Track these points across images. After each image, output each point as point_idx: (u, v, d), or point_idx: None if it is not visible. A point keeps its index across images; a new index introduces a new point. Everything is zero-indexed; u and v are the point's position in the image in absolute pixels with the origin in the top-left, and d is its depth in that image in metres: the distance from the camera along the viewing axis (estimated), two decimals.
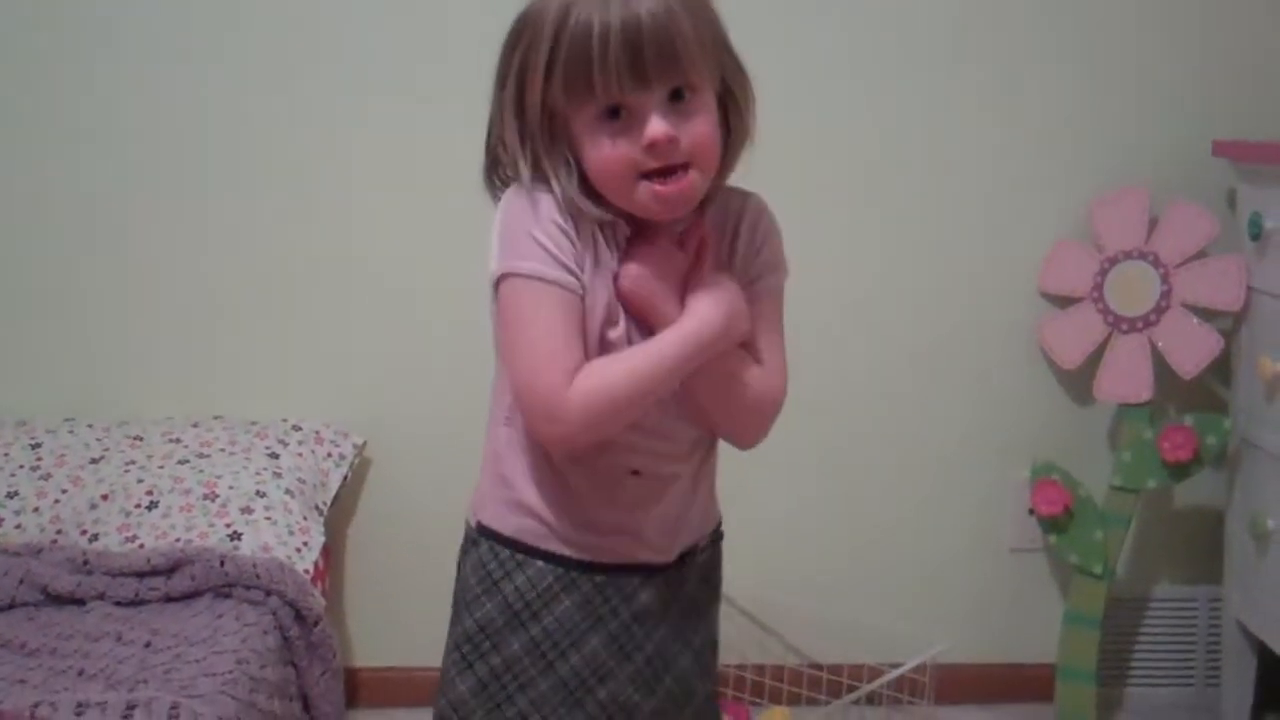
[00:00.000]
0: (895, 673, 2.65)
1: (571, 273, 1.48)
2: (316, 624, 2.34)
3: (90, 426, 2.74)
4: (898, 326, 2.89)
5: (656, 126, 1.44)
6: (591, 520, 1.57)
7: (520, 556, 1.59)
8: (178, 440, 2.69)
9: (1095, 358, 2.80)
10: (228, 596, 2.31)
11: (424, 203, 2.80)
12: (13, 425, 2.74)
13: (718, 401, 1.57)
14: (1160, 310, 2.74)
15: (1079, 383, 2.87)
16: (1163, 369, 2.75)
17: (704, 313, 1.50)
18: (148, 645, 2.12)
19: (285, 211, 2.83)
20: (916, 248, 2.88)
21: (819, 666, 2.88)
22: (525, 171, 1.49)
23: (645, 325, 1.53)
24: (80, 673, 2.03)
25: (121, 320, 2.85)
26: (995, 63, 2.84)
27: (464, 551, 1.65)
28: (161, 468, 2.61)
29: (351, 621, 2.92)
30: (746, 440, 1.62)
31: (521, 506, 1.59)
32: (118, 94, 2.80)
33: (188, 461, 2.63)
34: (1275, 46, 2.84)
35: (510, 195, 1.52)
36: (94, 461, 2.63)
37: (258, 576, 2.32)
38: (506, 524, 1.60)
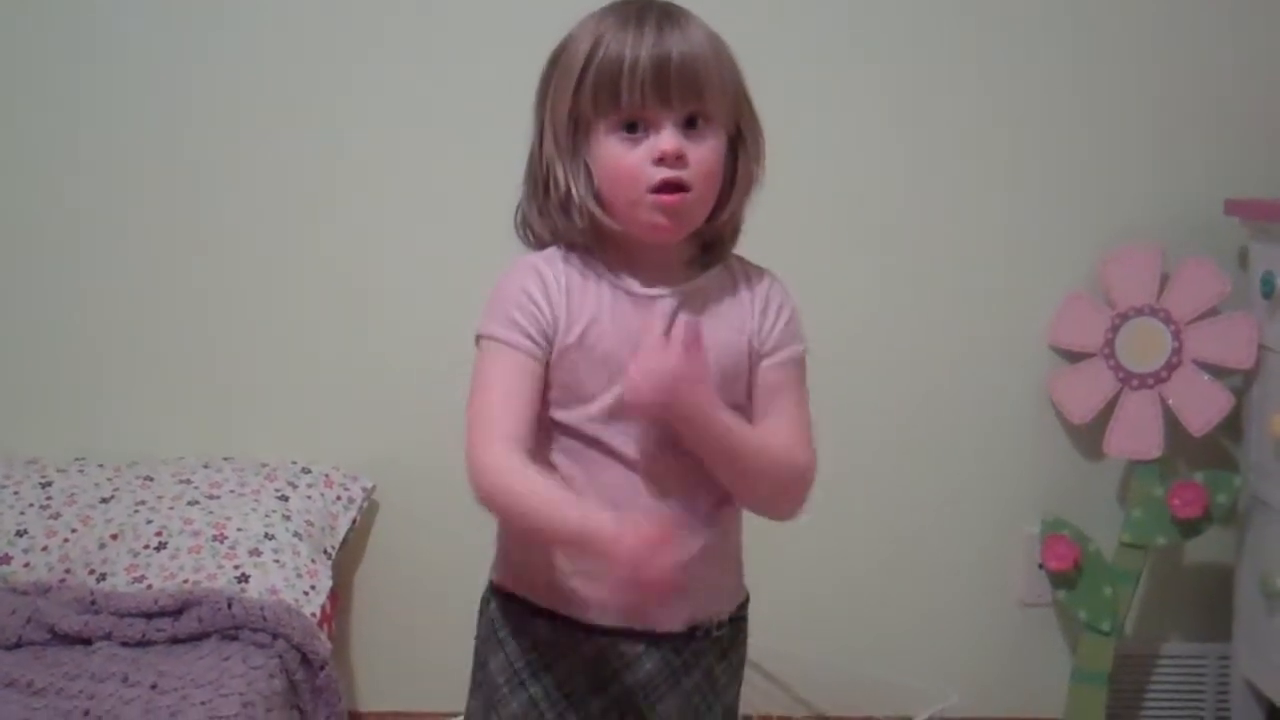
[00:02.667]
0: None
1: (532, 340, 1.55)
2: (323, 668, 2.34)
3: (101, 466, 2.74)
4: (907, 378, 2.89)
5: (669, 139, 1.53)
6: (595, 582, 1.57)
7: (526, 615, 1.62)
8: (188, 481, 2.69)
9: (1106, 413, 2.80)
10: (234, 639, 2.30)
11: (439, 249, 2.81)
12: (23, 464, 2.74)
13: (746, 487, 1.60)
14: (1171, 367, 2.74)
15: (1089, 438, 2.86)
16: (1173, 426, 2.75)
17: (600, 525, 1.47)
18: (154, 687, 2.12)
19: (300, 255, 2.84)
20: (928, 299, 2.89)
21: (827, 719, 2.87)
22: (562, 177, 1.57)
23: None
24: (86, 713, 2.03)
25: (133, 360, 2.86)
26: (1008, 117, 2.86)
27: (480, 610, 1.69)
28: (171, 508, 2.61)
29: (358, 665, 2.92)
30: (780, 517, 1.64)
31: (526, 567, 1.63)
32: (135, 138, 2.82)
33: (197, 503, 2.63)
34: None
35: (510, 266, 1.60)
36: (104, 501, 2.64)
37: (265, 619, 2.32)
38: (513, 583, 1.64)
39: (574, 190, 1.57)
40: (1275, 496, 2.62)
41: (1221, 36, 2.84)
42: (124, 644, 2.30)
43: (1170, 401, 2.75)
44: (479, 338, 1.58)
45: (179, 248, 2.84)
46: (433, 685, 2.75)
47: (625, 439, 1.57)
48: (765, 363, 1.63)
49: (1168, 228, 2.83)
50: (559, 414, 1.58)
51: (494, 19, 2.79)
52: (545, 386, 1.57)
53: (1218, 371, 2.73)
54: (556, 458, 1.59)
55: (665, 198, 1.54)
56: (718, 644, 1.66)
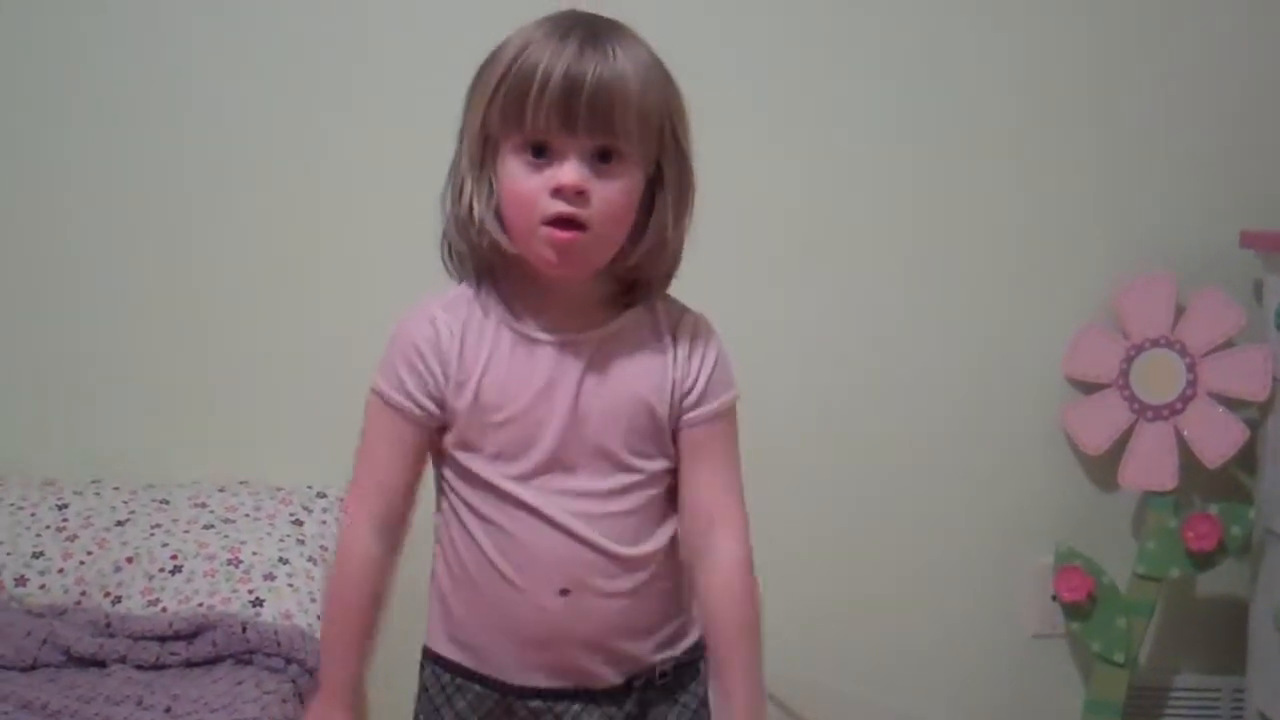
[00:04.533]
0: None
1: (415, 403, 1.53)
2: None
3: (117, 489, 2.75)
4: (921, 409, 2.89)
5: (569, 172, 1.43)
6: (519, 642, 1.53)
7: (460, 680, 1.58)
8: (203, 505, 2.70)
9: (1120, 444, 2.80)
10: (248, 663, 2.30)
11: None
12: (40, 485, 2.75)
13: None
14: (1186, 399, 2.74)
15: (1103, 469, 2.86)
16: (1188, 457, 2.75)
17: None
18: (168, 710, 2.12)
19: (315, 280, 2.85)
20: (942, 329, 2.89)
21: None
22: (467, 193, 1.50)
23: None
24: None
25: (151, 383, 2.86)
26: (1022, 147, 2.86)
27: (419, 674, 1.66)
28: (187, 532, 2.61)
29: (371, 690, 2.91)
30: None
31: (455, 629, 1.59)
32: (146, 160, 2.82)
33: (213, 526, 2.63)
34: None
35: (409, 311, 1.57)
36: (120, 524, 2.64)
37: (279, 644, 2.32)
38: (444, 647, 1.60)
39: (475, 207, 1.49)
40: None
41: (1237, 68, 2.85)
42: (139, 667, 2.30)
43: (1185, 433, 2.75)
44: (371, 389, 1.57)
45: (195, 273, 2.84)
46: None
47: (542, 496, 1.51)
48: (691, 415, 1.54)
49: (1183, 259, 2.83)
50: (475, 467, 1.53)
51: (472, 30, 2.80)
52: (456, 441, 1.54)
53: (1232, 403, 2.73)
54: (481, 508, 1.54)
55: (557, 234, 1.44)
56: (664, 691, 1.59)
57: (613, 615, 1.53)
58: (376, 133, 2.82)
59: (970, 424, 2.90)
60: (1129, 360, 2.79)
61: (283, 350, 2.86)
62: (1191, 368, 2.74)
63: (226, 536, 2.61)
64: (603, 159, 1.44)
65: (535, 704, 1.55)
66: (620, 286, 1.55)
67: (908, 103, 2.86)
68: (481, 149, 1.49)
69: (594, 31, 1.45)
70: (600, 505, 1.52)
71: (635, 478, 1.53)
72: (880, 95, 2.85)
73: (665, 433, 1.54)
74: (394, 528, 1.58)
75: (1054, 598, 2.83)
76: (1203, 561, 2.75)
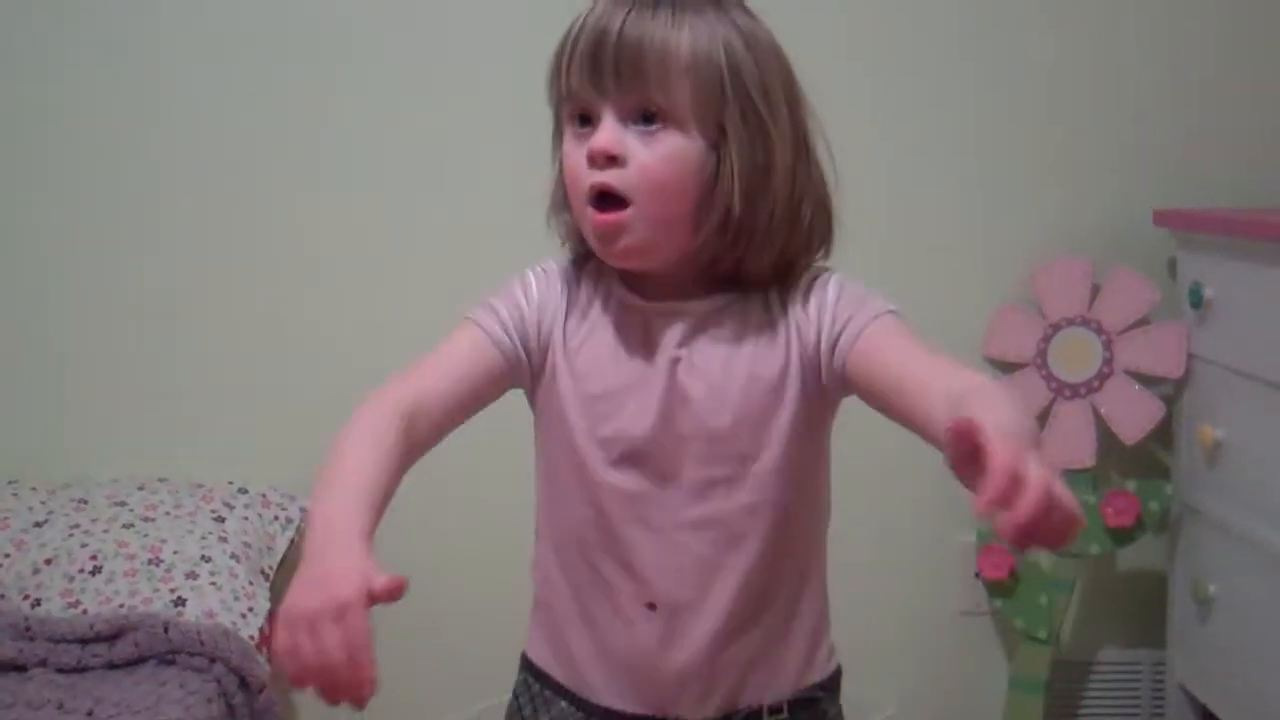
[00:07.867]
0: None
1: (503, 327, 1.37)
2: (262, 691, 2.32)
3: (34, 489, 2.71)
4: None
5: (602, 135, 1.29)
6: (610, 660, 1.39)
7: (548, 693, 1.44)
8: (123, 504, 2.67)
9: (1039, 423, 2.82)
10: (171, 664, 2.28)
11: (378, 269, 2.80)
12: None
13: None
14: (1103, 377, 2.77)
15: None
16: (1105, 435, 2.78)
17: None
18: (90, 714, 2.10)
19: (232, 274, 2.83)
20: None
21: None
22: (552, 164, 1.40)
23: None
24: None
25: (66, 382, 2.83)
26: (938, 129, 2.88)
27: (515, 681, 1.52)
28: (106, 532, 2.58)
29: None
30: None
31: (550, 637, 1.44)
32: (69, 156, 2.80)
33: (132, 525, 2.60)
34: (1216, 117, 2.89)
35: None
36: (37, 525, 2.60)
37: (202, 643, 2.30)
38: (539, 654, 1.46)
39: (554, 188, 1.39)
40: (1206, 504, 2.66)
41: (1148, 49, 2.88)
42: (60, 670, 2.27)
43: (1102, 411, 2.78)
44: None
45: (113, 270, 2.81)
46: (373, 706, 2.74)
47: (633, 484, 1.35)
48: (845, 337, 1.41)
49: (1098, 238, 2.86)
50: (562, 447, 1.37)
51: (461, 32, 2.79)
52: (548, 411, 1.38)
53: (1148, 381, 2.77)
54: (570, 495, 1.38)
55: (596, 216, 1.30)
56: None
57: (711, 637, 1.37)
58: (308, 143, 2.82)
59: None
60: (1047, 340, 2.81)
61: (202, 346, 2.84)
62: (1108, 346, 2.77)
63: (146, 535, 2.58)
64: (647, 121, 1.30)
65: None
66: (720, 275, 1.38)
67: (824, 82, 2.86)
68: (555, 125, 1.38)
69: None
70: (701, 506, 1.35)
71: (750, 470, 1.37)
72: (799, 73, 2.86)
73: (776, 424, 1.39)
74: (407, 413, 1.36)
75: (977, 575, 2.86)
76: (1122, 537, 2.78)
